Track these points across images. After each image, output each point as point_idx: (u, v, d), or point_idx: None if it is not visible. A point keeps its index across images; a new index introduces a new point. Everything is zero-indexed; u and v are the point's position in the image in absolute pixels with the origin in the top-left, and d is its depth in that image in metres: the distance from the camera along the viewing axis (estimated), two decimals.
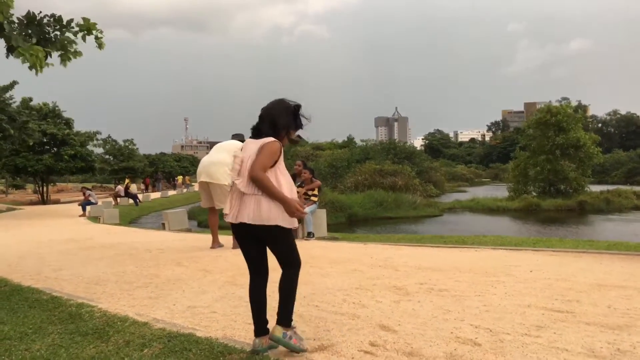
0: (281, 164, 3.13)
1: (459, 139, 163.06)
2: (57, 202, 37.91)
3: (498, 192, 41.44)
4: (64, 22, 5.09)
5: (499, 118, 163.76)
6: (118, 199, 31.81)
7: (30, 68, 4.72)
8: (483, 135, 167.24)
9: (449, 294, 4.33)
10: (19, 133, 22.35)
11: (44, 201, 37.84)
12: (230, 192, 3.21)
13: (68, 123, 38.34)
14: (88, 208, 22.30)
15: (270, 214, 2.97)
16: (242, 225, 3.08)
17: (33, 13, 5.04)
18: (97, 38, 5.22)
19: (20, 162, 35.10)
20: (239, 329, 3.65)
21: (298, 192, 9.64)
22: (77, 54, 5.21)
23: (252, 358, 2.89)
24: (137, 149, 53.63)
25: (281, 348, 3.07)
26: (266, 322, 3.10)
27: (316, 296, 4.49)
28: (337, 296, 4.47)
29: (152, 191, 46.32)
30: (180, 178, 57.34)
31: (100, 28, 5.21)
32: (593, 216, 27.22)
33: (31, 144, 28.29)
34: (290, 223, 3.02)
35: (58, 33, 5.06)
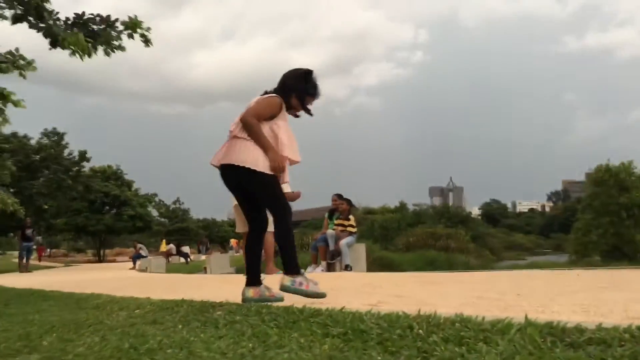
0: (281, 121, 2.98)
1: (518, 210, 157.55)
2: (113, 261, 38.81)
3: (560, 260, 39.27)
4: (111, 21, 5.32)
5: (559, 188, 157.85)
6: (170, 258, 32.18)
7: (74, 53, 4.92)
8: (543, 206, 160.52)
9: (482, 281, 3.90)
10: (75, 183, 23.37)
11: (100, 260, 38.86)
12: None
13: (129, 185, 40.02)
14: (138, 261, 22.58)
15: (248, 157, 2.82)
16: (227, 173, 2.95)
17: (82, 13, 5.30)
18: (142, 36, 5.41)
19: (81, 221, 36.56)
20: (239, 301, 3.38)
21: (336, 227, 9.41)
22: (120, 48, 5.42)
23: (240, 306, 2.61)
24: (189, 209, 54.61)
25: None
26: (257, 274, 2.89)
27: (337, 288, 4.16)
28: (358, 285, 4.12)
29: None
30: (234, 241, 57.80)
31: (147, 26, 5.41)
32: None
33: (92, 197, 29.57)
34: (268, 168, 2.85)
35: (102, 29, 5.29)
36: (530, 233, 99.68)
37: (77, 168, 24.83)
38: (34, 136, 26.10)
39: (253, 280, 2.90)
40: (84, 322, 2.79)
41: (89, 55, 5.31)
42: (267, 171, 2.82)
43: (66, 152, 25.47)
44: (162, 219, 51.35)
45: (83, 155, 26.52)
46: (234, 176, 2.92)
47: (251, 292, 2.87)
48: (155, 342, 1.95)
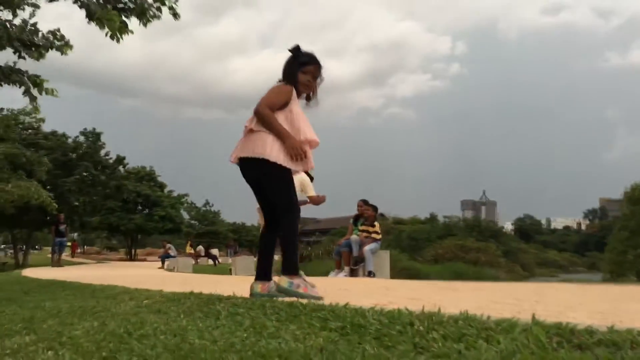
0: (295, 107, 2.92)
1: (552, 226, 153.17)
2: (143, 260, 39.42)
3: (594, 279, 38.04)
4: None
5: (596, 206, 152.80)
6: (198, 259, 32.44)
7: (111, 37, 4.98)
8: (579, 224, 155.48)
9: (503, 290, 3.75)
10: (107, 179, 23.81)
11: (131, 259, 39.54)
12: None
13: (161, 186, 40.68)
14: (167, 261, 22.81)
15: (265, 149, 2.76)
16: (244, 167, 2.91)
17: None
18: (171, 8, 5.41)
19: (114, 220, 37.30)
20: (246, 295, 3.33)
21: (360, 233, 9.28)
22: (156, 17, 5.43)
23: (245, 300, 2.56)
24: (219, 211, 54.94)
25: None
26: (268, 270, 2.84)
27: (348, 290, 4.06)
28: (374, 287, 4.02)
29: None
30: None
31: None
32: None
33: (125, 197, 30.14)
34: (287, 162, 2.78)
35: (133, 1, 5.33)
36: (564, 251, 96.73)
37: (119, 173, 25.42)
38: (73, 136, 26.88)
39: (262, 275, 2.84)
40: (90, 309, 2.79)
41: (123, 36, 5.35)
42: (280, 162, 2.76)
43: (103, 152, 26.06)
44: (193, 221, 51.96)
45: (121, 161, 27.16)
46: (249, 169, 2.88)
47: (259, 287, 2.82)
48: (151, 329, 1.92)
